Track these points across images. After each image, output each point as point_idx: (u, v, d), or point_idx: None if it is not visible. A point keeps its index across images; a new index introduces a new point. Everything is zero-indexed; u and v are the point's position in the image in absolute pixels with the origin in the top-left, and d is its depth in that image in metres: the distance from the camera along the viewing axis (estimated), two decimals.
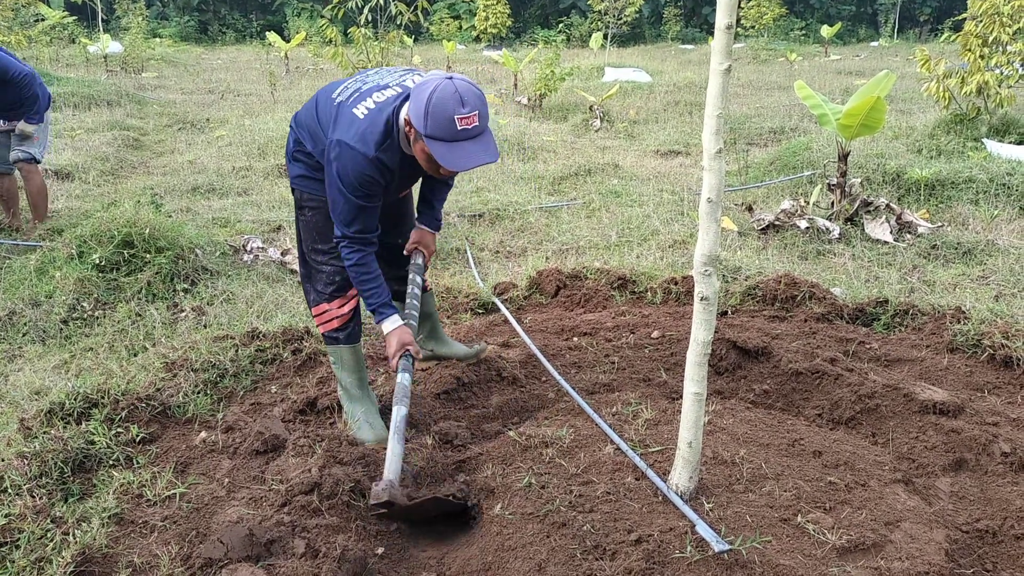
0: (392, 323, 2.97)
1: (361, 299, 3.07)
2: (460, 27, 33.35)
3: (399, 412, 2.80)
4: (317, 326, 3.29)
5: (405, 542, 2.63)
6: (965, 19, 9.13)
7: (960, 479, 2.84)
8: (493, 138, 2.73)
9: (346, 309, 3.21)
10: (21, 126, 5.89)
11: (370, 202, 2.86)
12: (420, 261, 3.30)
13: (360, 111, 2.82)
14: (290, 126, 3.16)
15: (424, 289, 3.55)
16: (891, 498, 2.57)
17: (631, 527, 2.36)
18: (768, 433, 2.97)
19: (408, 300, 3.19)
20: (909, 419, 3.16)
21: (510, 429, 3.17)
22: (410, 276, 3.26)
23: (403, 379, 2.89)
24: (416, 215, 3.37)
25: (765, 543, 2.29)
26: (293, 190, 3.18)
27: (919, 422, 3.13)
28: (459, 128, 2.60)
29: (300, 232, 3.22)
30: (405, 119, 2.74)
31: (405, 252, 3.32)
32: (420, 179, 3.26)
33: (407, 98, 2.79)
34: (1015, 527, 2.54)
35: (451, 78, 2.63)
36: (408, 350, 2.95)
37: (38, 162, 6.14)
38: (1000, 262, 5.22)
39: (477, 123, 2.63)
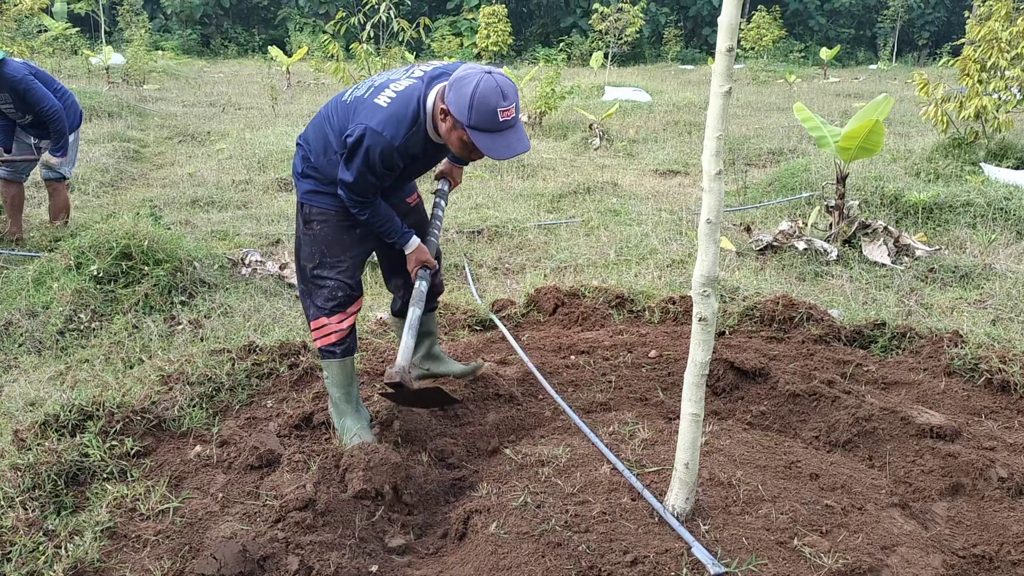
0: (412, 244, 3.22)
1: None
2: (461, 44, 33.53)
3: (414, 312, 3.12)
4: (314, 340, 3.27)
5: (399, 560, 2.62)
6: (964, 44, 9.21)
7: (957, 504, 2.83)
8: (523, 129, 2.90)
9: (345, 325, 3.19)
10: (45, 158, 6.01)
11: (382, 180, 2.99)
12: (445, 188, 3.53)
13: (382, 100, 2.90)
14: (297, 144, 3.20)
15: (433, 308, 3.65)
16: (888, 522, 2.57)
17: (627, 548, 2.34)
18: (765, 455, 2.96)
19: (432, 220, 3.42)
20: (906, 443, 3.15)
21: (506, 447, 3.16)
22: (435, 200, 3.50)
23: (420, 286, 3.20)
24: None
25: (761, 566, 2.28)
26: (302, 205, 3.18)
27: (916, 446, 3.13)
28: (500, 120, 2.76)
29: (303, 248, 3.20)
30: (442, 108, 2.85)
31: (435, 177, 3.58)
32: (436, 164, 3.38)
33: (429, 85, 2.93)
34: (1012, 552, 2.53)
35: (490, 72, 2.78)
36: (425, 265, 3.23)
37: (66, 179, 6.31)
38: (997, 286, 5.23)
39: (514, 115, 2.81)
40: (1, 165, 6.11)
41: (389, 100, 2.89)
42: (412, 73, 3.00)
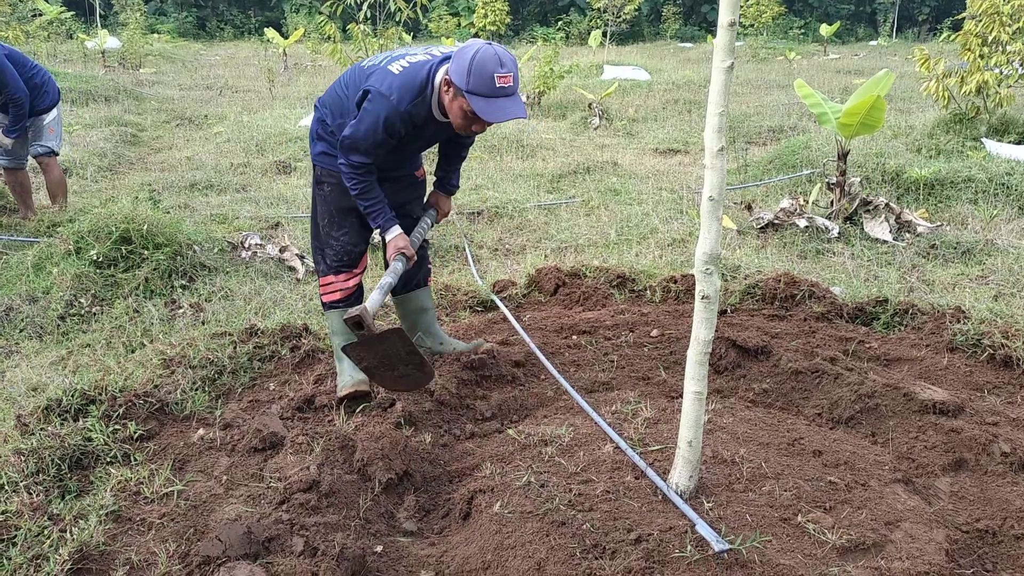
0: (393, 232, 3.25)
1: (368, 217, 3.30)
2: (459, 24, 33.30)
3: (386, 279, 3.18)
4: (321, 295, 3.52)
5: (404, 540, 2.62)
6: (964, 18, 9.13)
7: (960, 479, 2.84)
8: (521, 100, 3.00)
9: (350, 284, 3.45)
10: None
11: (381, 146, 3.08)
12: (434, 213, 3.60)
13: (395, 68, 3.07)
14: (315, 107, 3.39)
15: (425, 283, 3.76)
16: (891, 498, 2.57)
17: (631, 526, 2.35)
18: (768, 432, 2.96)
19: (417, 226, 3.48)
20: (909, 419, 3.16)
21: (509, 427, 3.16)
22: (423, 217, 3.55)
23: (396, 265, 3.24)
24: (434, 184, 3.66)
25: (765, 543, 2.29)
26: (314, 166, 3.41)
27: (919, 422, 3.13)
28: (497, 85, 2.88)
29: (317, 206, 3.44)
30: (444, 79, 2.99)
31: (423, 206, 3.63)
32: (435, 144, 3.52)
33: (441, 63, 3.06)
34: (1015, 527, 2.54)
35: (491, 44, 2.92)
36: (403, 252, 3.25)
37: (56, 154, 6.33)
38: (999, 262, 5.21)
39: (511, 83, 2.91)
40: (1, 155, 6.15)
41: (401, 69, 3.06)
42: (431, 51, 3.16)
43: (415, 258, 3.34)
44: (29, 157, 6.33)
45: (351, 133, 3.06)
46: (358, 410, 3.28)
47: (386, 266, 3.63)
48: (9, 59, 5.83)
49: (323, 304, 3.53)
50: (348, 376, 3.39)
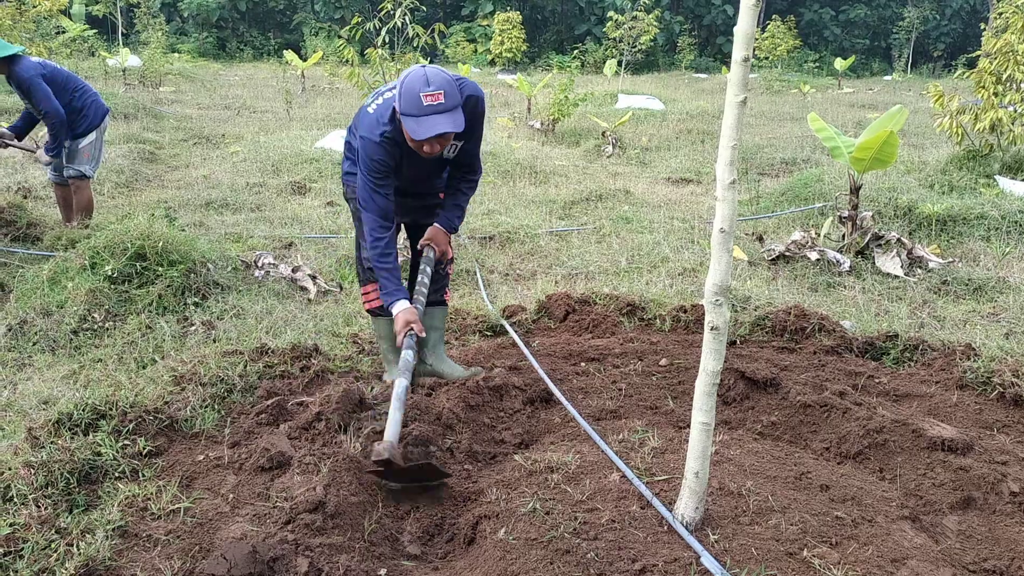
0: (400, 305, 3.37)
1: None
2: (475, 50, 33.62)
3: (400, 384, 3.16)
4: (363, 303, 3.77)
5: (408, 564, 2.62)
6: (979, 56, 9.17)
7: (968, 518, 2.82)
8: (462, 115, 3.11)
9: None
10: (38, 155, 6.25)
11: (382, 182, 3.29)
12: (431, 255, 3.63)
13: (372, 107, 3.33)
14: (347, 130, 3.67)
15: (442, 302, 3.84)
16: (898, 535, 2.55)
17: (635, 556, 2.34)
18: (775, 465, 2.95)
19: (417, 287, 3.56)
20: (917, 455, 3.14)
21: (515, 453, 3.16)
22: (421, 267, 3.62)
23: (407, 355, 3.28)
24: (436, 216, 3.72)
25: None
26: (343, 182, 3.70)
27: (927, 459, 3.11)
28: (425, 104, 3.02)
29: (354, 218, 3.70)
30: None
31: (419, 246, 3.71)
32: (440, 171, 3.63)
33: None
34: (1023, 568, 2.51)
35: (424, 66, 3.10)
36: (412, 328, 3.33)
37: (87, 178, 6.44)
38: (1011, 299, 5.20)
39: (443, 101, 3.03)
40: (49, 168, 6.37)
41: (376, 106, 3.29)
42: None
43: (423, 333, 3.40)
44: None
45: (360, 192, 3.33)
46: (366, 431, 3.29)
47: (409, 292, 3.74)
48: (52, 79, 5.94)
49: (367, 311, 3.73)
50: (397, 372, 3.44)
